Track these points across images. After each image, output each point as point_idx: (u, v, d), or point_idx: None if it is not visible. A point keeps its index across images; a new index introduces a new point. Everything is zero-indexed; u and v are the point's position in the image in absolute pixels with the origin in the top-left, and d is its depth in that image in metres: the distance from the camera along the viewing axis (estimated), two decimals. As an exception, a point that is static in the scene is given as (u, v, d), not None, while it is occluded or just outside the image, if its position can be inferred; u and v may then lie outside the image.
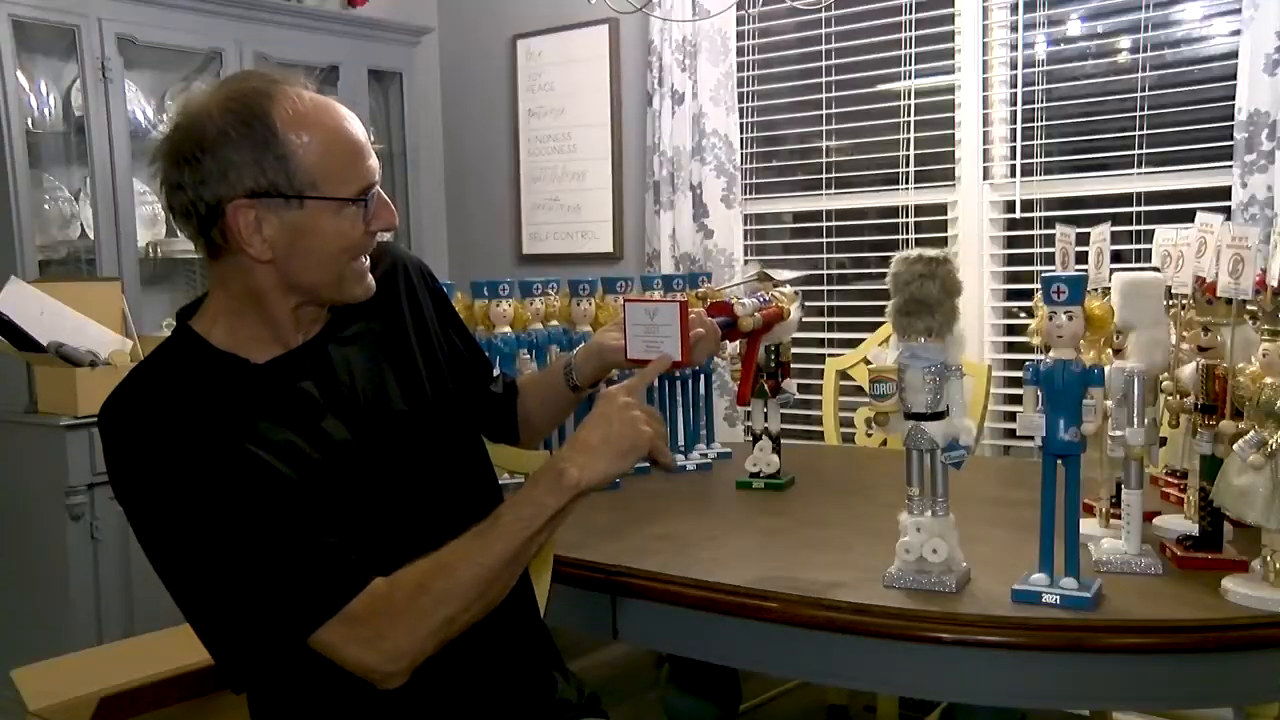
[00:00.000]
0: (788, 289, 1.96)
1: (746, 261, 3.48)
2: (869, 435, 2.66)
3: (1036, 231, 3.08)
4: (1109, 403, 1.41)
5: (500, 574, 1.22)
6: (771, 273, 1.99)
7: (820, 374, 2.91)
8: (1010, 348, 3.14)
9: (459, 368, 1.49)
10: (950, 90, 3.20)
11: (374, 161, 1.27)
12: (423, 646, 1.19)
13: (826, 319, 3.45)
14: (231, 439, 1.18)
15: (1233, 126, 2.62)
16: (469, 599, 1.20)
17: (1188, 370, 1.49)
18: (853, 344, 3.07)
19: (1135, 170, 2.89)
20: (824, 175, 3.47)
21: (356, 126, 1.26)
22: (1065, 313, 1.30)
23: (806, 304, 3.44)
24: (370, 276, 1.32)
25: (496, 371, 1.66)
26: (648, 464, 1.31)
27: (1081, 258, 1.61)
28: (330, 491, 1.23)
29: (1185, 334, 1.52)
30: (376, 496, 1.27)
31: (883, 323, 2.61)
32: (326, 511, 1.21)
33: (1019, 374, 2.02)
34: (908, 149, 3.28)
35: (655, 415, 1.29)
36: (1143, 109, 2.85)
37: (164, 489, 1.18)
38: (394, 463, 1.31)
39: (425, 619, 1.18)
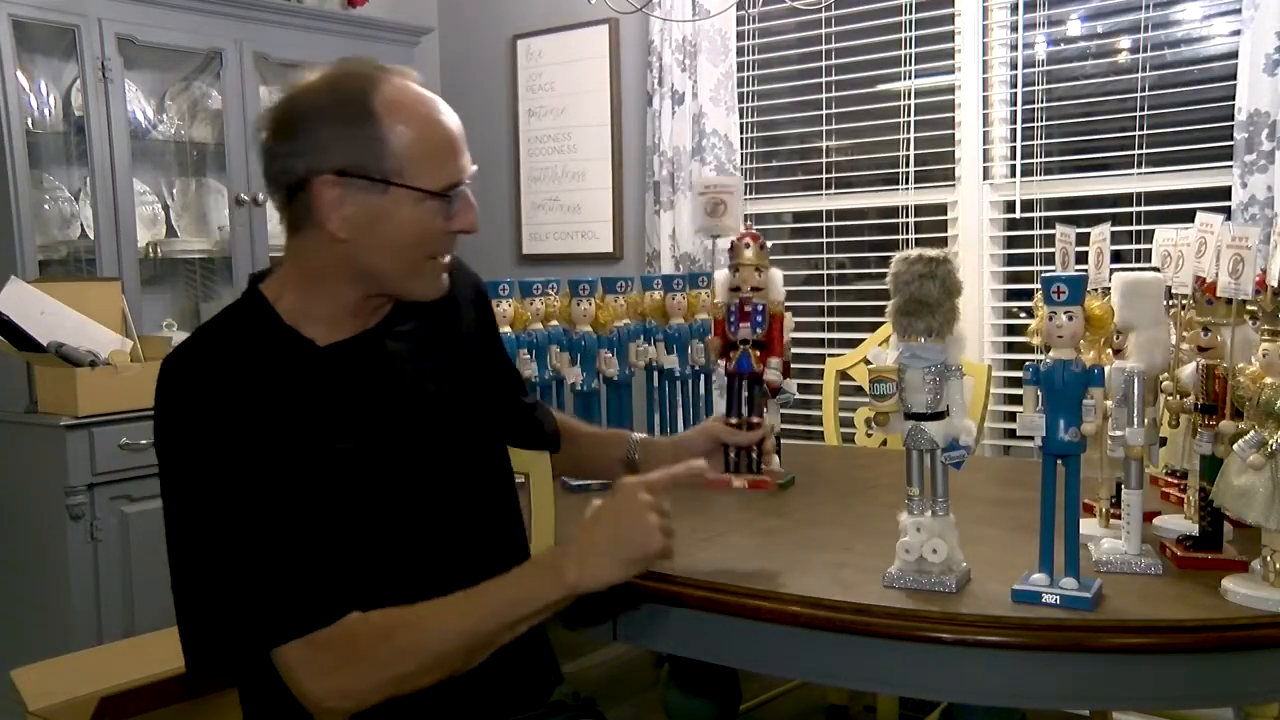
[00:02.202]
0: (752, 250, 1.73)
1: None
2: (869, 435, 2.66)
3: (1036, 231, 3.08)
4: (1109, 403, 1.41)
5: (467, 648, 1.21)
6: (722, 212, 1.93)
7: (820, 374, 2.91)
8: (1010, 348, 3.14)
9: (494, 381, 1.51)
10: (950, 90, 3.20)
11: (466, 161, 1.28)
12: (368, 695, 1.19)
13: (826, 319, 3.45)
14: (276, 419, 1.20)
15: (1233, 126, 2.62)
16: (426, 664, 1.19)
17: (1188, 370, 1.49)
18: (853, 344, 3.07)
19: (1135, 170, 2.89)
20: (824, 175, 3.47)
21: (454, 123, 1.27)
22: (1065, 313, 1.30)
23: (807, 304, 3.42)
24: (445, 277, 1.32)
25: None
26: None
27: (1081, 258, 1.61)
28: (355, 487, 1.24)
29: (1185, 334, 1.52)
30: (401, 492, 1.28)
31: (883, 323, 2.61)
32: (339, 523, 1.22)
33: (1019, 374, 2.02)
34: (908, 149, 3.28)
35: (668, 518, 1.25)
36: (1143, 109, 2.85)
37: (195, 457, 1.20)
38: (423, 461, 1.32)
39: (379, 669, 1.18)
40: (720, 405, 3.41)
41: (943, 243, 3.21)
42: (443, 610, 1.20)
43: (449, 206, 1.26)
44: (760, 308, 1.64)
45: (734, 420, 1.54)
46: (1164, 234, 1.70)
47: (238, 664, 1.24)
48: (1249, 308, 1.40)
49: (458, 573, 1.32)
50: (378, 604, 1.23)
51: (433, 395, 1.36)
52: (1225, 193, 2.65)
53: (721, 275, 1.69)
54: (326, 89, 1.23)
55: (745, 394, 1.55)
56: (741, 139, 3.54)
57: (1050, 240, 2.55)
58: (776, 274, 1.72)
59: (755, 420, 1.53)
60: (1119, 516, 1.51)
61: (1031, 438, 1.33)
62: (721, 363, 1.68)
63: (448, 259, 1.32)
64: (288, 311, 1.28)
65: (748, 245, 1.68)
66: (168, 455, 1.22)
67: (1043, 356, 1.33)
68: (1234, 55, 2.64)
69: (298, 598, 1.18)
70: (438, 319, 1.40)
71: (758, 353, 1.59)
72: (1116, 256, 2.69)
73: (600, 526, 1.23)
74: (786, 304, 1.87)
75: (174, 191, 3.47)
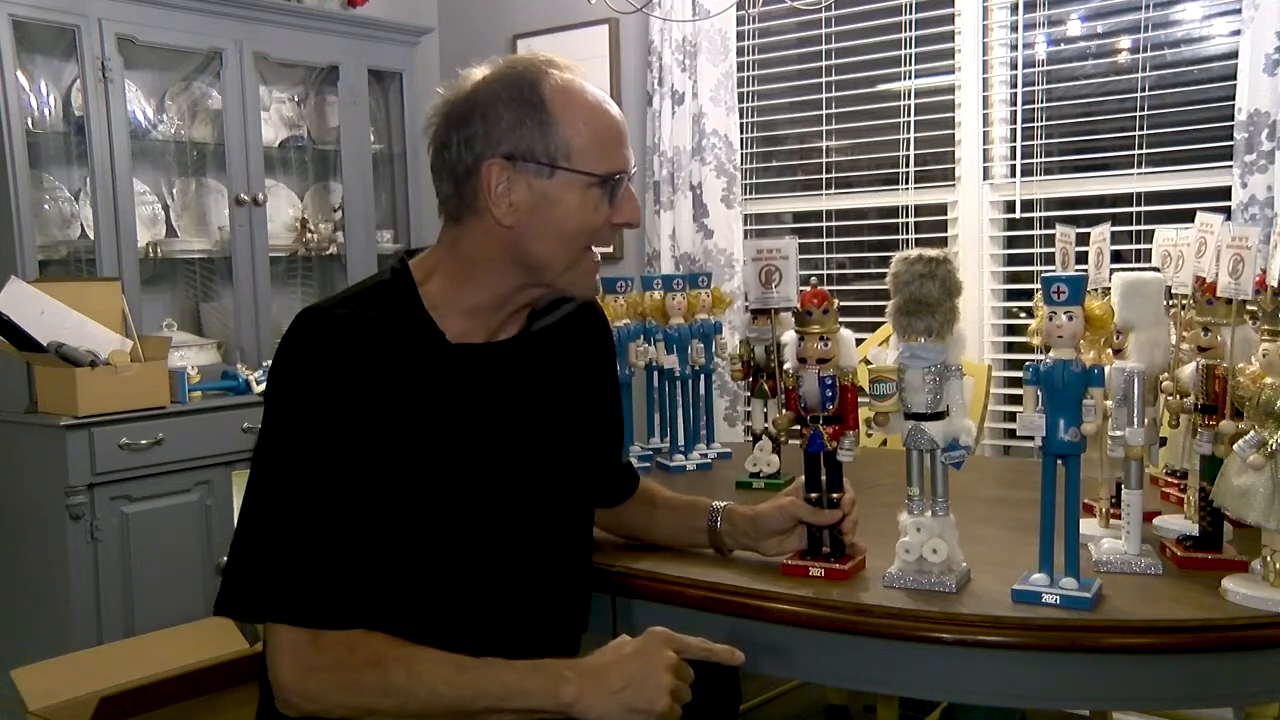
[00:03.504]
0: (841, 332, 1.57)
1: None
2: (869, 435, 2.65)
3: (1036, 231, 3.08)
4: (1109, 403, 1.41)
5: (444, 712, 1.19)
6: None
7: (820, 374, 2.91)
8: (1010, 348, 3.14)
9: (602, 430, 1.51)
10: (950, 90, 3.20)
11: (629, 152, 1.30)
12: (332, 708, 1.19)
13: (826, 319, 3.44)
14: (386, 404, 1.21)
15: (1233, 126, 2.62)
16: (400, 709, 1.18)
17: (1188, 370, 1.49)
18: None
19: (1135, 170, 2.89)
20: (824, 175, 3.47)
21: (619, 115, 1.30)
22: (1065, 313, 1.30)
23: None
24: (598, 278, 1.36)
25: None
26: None
27: (1081, 258, 1.61)
28: (436, 496, 1.24)
29: (1185, 334, 1.52)
30: (478, 514, 1.28)
31: (883, 323, 2.61)
32: (405, 526, 1.23)
33: (1019, 374, 2.02)
34: (908, 149, 3.28)
35: (687, 680, 1.22)
36: (1143, 109, 2.86)
37: (296, 416, 1.21)
38: (509, 491, 1.31)
39: (357, 693, 1.18)
40: (720, 404, 3.44)
41: (943, 243, 3.21)
42: (442, 665, 1.19)
43: (612, 195, 1.28)
44: (830, 380, 1.48)
45: (814, 496, 1.48)
46: (1164, 234, 1.70)
47: (249, 619, 1.26)
48: (1249, 308, 1.40)
49: (510, 612, 1.32)
50: (415, 620, 1.23)
51: (539, 429, 1.36)
52: (1225, 193, 2.66)
53: (790, 338, 1.52)
54: (498, 79, 1.26)
55: (823, 470, 1.52)
56: (741, 139, 3.54)
57: (1050, 240, 2.55)
58: (846, 336, 1.52)
59: (836, 496, 1.48)
60: (1119, 516, 1.51)
61: (1031, 438, 1.33)
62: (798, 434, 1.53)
63: (600, 257, 1.33)
64: (430, 296, 1.29)
65: (809, 312, 1.47)
66: (273, 404, 1.24)
67: (1043, 356, 1.33)
68: (1234, 55, 2.65)
69: (326, 589, 1.18)
70: (567, 353, 1.41)
71: (830, 430, 1.49)
72: (1116, 256, 2.69)
73: (617, 664, 1.21)
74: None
75: (174, 191, 3.47)
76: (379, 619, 1.21)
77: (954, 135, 3.18)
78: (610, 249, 1.33)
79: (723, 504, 1.55)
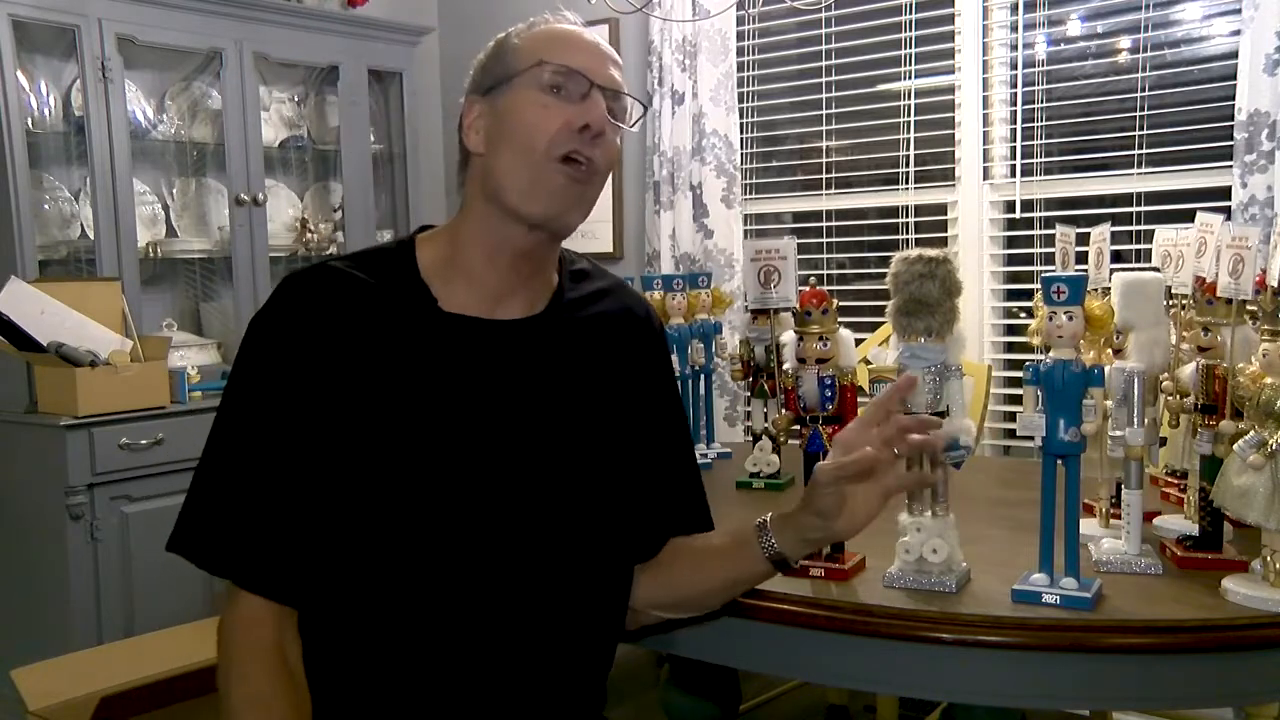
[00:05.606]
0: (841, 332, 1.56)
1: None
2: (869, 435, 2.65)
3: (1036, 231, 3.08)
4: (1109, 403, 1.41)
5: None
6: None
7: (820, 374, 2.91)
8: (1010, 348, 3.14)
9: (636, 447, 1.33)
10: (950, 90, 3.20)
11: (597, 65, 1.23)
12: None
13: (826, 319, 3.44)
14: (349, 357, 1.18)
15: (1233, 126, 2.62)
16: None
17: (1188, 370, 1.49)
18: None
19: (1135, 170, 2.89)
20: (824, 175, 3.47)
21: (588, 33, 1.27)
22: (1065, 313, 1.30)
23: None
24: (586, 205, 1.24)
25: None
26: None
27: (1081, 258, 1.61)
28: (385, 462, 1.17)
29: (1185, 334, 1.52)
30: (439, 489, 1.18)
31: (883, 323, 2.61)
32: (347, 495, 1.17)
33: (1019, 374, 2.02)
34: (908, 149, 3.28)
35: None
36: (1143, 109, 2.86)
37: (259, 368, 1.21)
38: (477, 475, 1.20)
39: (222, 666, 1.19)
40: (720, 404, 3.44)
41: (943, 243, 3.21)
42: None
43: (560, 92, 1.21)
44: (829, 380, 1.46)
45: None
46: (1164, 234, 1.70)
47: (174, 549, 1.21)
48: (1249, 308, 1.40)
49: (475, 622, 1.20)
50: (375, 603, 1.17)
51: (532, 423, 1.23)
52: (1225, 193, 2.66)
53: (789, 338, 1.50)
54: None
55: None
56: (741, 139, 3.54)
57: (1050, 240, 2.55)
58: (845, 336, 1.50)
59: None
60: (1119, 516, 1.51)
61: (1031, 438, 1.33)
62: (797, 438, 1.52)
63: (576, 172, 1.20)
64: (429, 263, 1.26)
65: (808, 313, 1.46)
66: (241, 351, 1.23)
67: (1043, 356, 1.33)
68: (1234, 55, 2.65)
69: (240, 539, 1.17)
70: (597, 354, 1.29)
71: (829, 430, 1.45)
72: (1116, 256, 2.69)
73: None
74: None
75: (174, 191, 3.47)
76: (315, 581, 1.18)
77: (954, 135, 3.18)
78: (587, 179, 1.21)
79: (763, 518, 1.32)
